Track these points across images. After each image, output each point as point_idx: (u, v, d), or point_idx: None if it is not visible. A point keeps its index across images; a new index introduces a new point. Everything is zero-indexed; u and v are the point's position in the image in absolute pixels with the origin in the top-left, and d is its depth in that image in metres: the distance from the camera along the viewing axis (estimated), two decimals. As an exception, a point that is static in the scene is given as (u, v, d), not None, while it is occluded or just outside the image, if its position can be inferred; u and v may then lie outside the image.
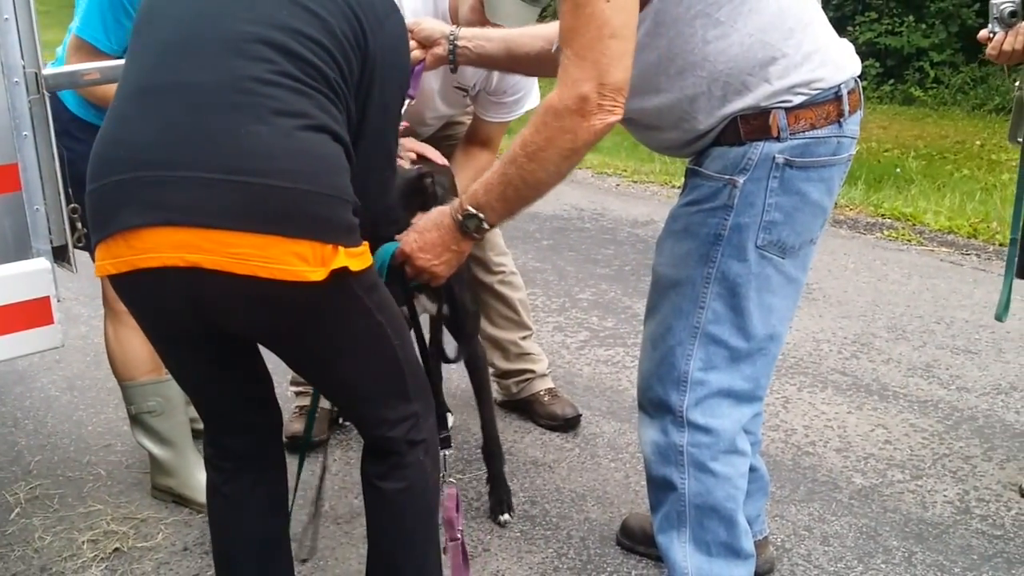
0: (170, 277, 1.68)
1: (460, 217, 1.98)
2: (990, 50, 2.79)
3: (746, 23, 1.88)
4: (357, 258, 1.76)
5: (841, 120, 1.97)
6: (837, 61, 1.98)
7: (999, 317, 3.03)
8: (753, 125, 1.94)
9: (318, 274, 1.67)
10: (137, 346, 2.82)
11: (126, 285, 1.79)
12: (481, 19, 2.62)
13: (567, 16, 1.79)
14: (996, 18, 2.74)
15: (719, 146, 1.99)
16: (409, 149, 2.41)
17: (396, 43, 1.91)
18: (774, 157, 1.94)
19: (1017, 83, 3.04)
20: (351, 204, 1.76)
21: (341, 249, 1.71)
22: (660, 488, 2.18)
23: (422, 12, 2.73)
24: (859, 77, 2.05)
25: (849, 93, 1.98)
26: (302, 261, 1.66)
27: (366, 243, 1.81)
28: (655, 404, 2.15)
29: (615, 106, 1.79)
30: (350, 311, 1.83)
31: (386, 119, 1.94)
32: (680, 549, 2.16)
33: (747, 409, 2.15)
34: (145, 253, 1.68)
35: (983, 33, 2.81)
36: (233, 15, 1.76)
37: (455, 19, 2.77)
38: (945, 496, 2.98)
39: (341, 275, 1.72)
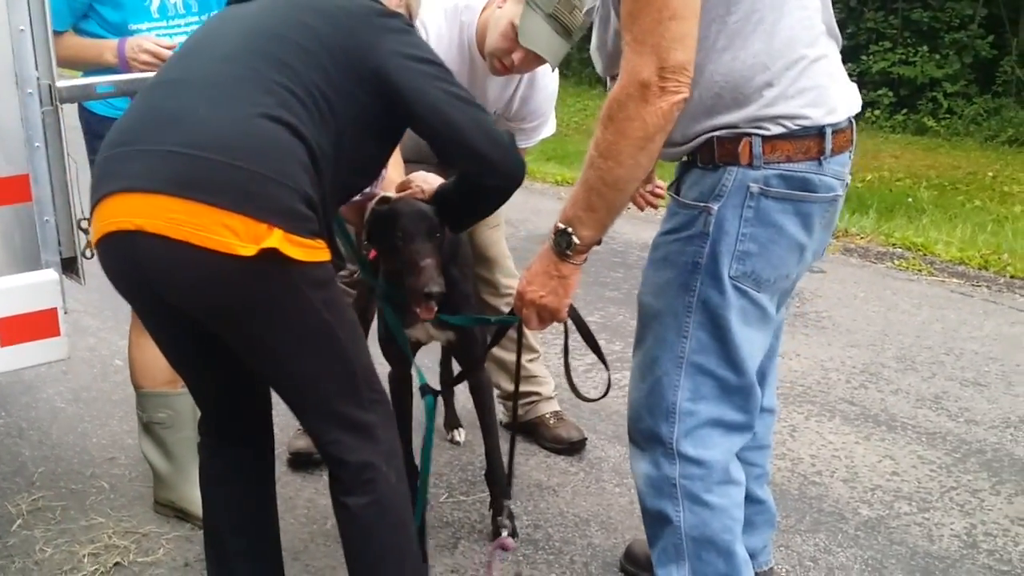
0: (120, 241, 1.79)
1: (553, 237, 1.96)
2: None
3: (755, 43, 1.86)
4: (300, 248, 1.79)
5: (821, 158, 1.93)
6: (830, 103, 1.94)
7: None
8: (727, 148, 1.92)
9: (247, 249, 1.73)
10: (157, 355, 2.82)
11: (100, 254, 1.90)
12: (512, 46, 2.62)
13: (627, 1, 1.78)
14: None
15: (696, 168, 1.98)
16: (419, 183, 2.40)
17: (393, 46, 1.97)
18: (748, 186, 1.91)
19: None
20: (296, 192, 1.80)
21: (277, 231, 1.75)
22: (655, 521, 2.15)
23: (447, 40, 2.74)
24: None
25: (836, 133, 1.94)
26: (232, 234, 1.73)
27: (321, 241, 1.85)
28: (646, 436, 2.12)
29: (679, 85, 1.76)
30: (291, 302, 1.85)
31: (422, 99, 1.96)
32: None
33: (738, 438, 2.12)
34: (107, 219, 1.81)
35: None
36: (232, 27, 1.99)
37: (481, 50, 2.78)
38: (952, 529, 2.96)
39: (278, 260, 1.76)
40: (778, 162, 1.91)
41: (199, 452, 2.20)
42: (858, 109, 2.04)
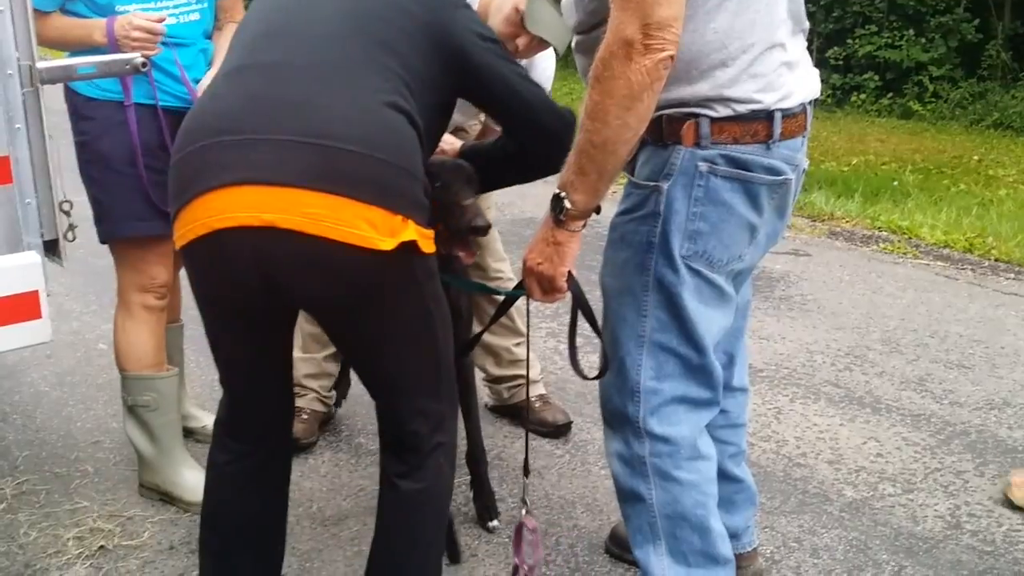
0: (244, 237, 1.70)
1: (550, 203, 1.95)
2: None
3: (717, 19, 1.86)
4: (425, 239, 1.79)
5: (769, 142, 1.94)
6: (784, 90, 1.94)
7: None
8: (675, 128, 1.92)
9: (387, 243, 1.71)
10: (144, 339, 2.84)
11: (199, 250, 1.79)
12: (516, 32, 2.60)
13: None
14: None
15: (647, 146, 1.98)
16: (441, 143, 2.42)
17: (468, 24, 2.02)
18: (697, 165, 1.92)
19: None
20: (421, 183, 1.81)
21: (411, 223, 1.74)
22: (629, 501, 2.16)
23: None
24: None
25: (786, 118, 1.94)
26: (372, 227, 1.69)
27: (432, 230, 1.85)
28: (615, 416, 2.13)
29: (664, 43, 1.74)
30: (408, 294, 1.85)
31: (500, 79, 2.03)
32: (658, 563, 2.14)
33: (705, 413, 2.13)
34: (221, 213, 1.71)
35: None
36: (321, 9, 1.91)
37: None
38: (936, 511, 2.97)
39: (408, 252, 1.75)
40: (725, 143, 1.91)
41: (217, 455, 2.10)
42: (816, 95, 2.05)
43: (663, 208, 1.95)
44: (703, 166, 1.92)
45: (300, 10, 1.93)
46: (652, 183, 1.96)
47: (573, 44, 2.11)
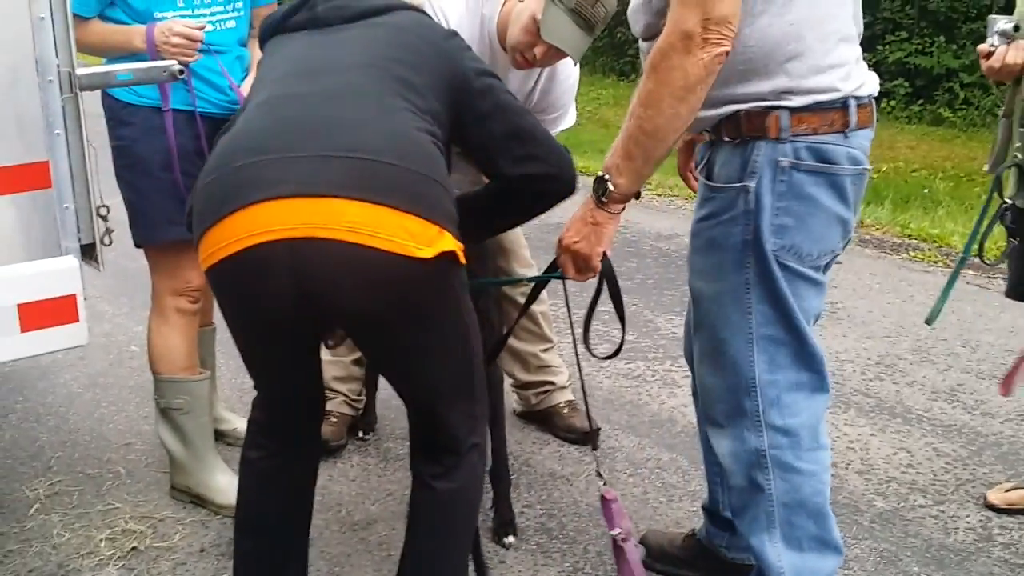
0: (280, 251, 1.72)
1: (592, 185, 1.99)
2: (992, 62, 2.73)
3: (791, 11, 1.89)
4: (460, 250, 1.82)
5: (846, 130, 1.97)
6: (858, 79, 1.99)
7: (929, 322, 2.98)
8: (755, 123, 1.94)
9: (426, 252, 1.73)
10: (177, 343, 2.88)
11: (231, 270, 1.79)
12: (534, 41, 2.61)
13: None
14: (997, 32, 2.69)
15: (723, 145, 2.00)
16: None
17: (469, 61, 2.08)
18: (778, 160, 1.94)
19: (1002, 111, 2.93)
20: (452, 197, 1.85)
21: (447, 234, 1.78)
22: (745, 492, 2.17)
23: (467, 31, 2.72)
24: (888, 96, 2.05)
25: (859, 107, 1.98)
26: (411, 237, 1.72)
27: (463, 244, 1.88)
28: (727, 414, 2.14)
29: (722, 38, 1.79)
30: (446, 304, 1.89)
31: (502, 115, 2.06)
32: (773, 549, 2.14)
33: (821, 399, 2.14)
34: (259, 228, 1.72)
35: (983, 47, 2.75)
36: (343, 51, 1.98)
37: (502, 41, 2.77)
38: (967, 522, 2.95)
39: (445, 263, 1.78)
40: (805, 135, 1.94)
41: (250, 451, 2.13)
42: (877, 91, 2.07)
43: (753, 206, 1.97)
44: (784, 161, 1.94)
45: (324, 54, 1.99)
46: (737, 184, 1.98)
47: (647, 52, 2.12)
